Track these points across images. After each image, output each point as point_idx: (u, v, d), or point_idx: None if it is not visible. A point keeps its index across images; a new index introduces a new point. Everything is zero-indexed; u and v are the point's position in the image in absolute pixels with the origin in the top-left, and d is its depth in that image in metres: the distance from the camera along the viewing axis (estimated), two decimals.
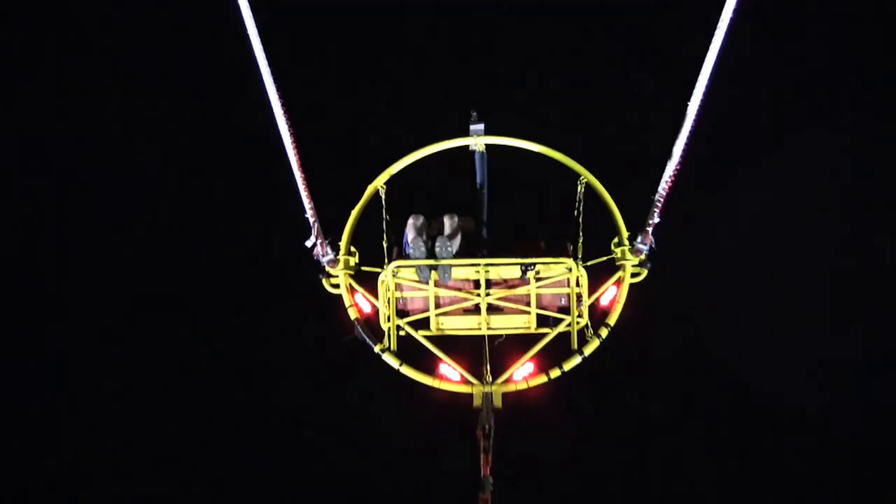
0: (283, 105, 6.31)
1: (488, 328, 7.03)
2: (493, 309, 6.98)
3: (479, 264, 6.78)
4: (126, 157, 10.45)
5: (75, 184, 10.46)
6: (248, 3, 5.92)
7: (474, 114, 7.46)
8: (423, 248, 6.69)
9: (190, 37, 9.99)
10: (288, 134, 6.46)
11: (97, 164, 10.40)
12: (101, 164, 10.41)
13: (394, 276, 6.82)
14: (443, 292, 6.93)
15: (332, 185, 7.30)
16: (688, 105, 6.32)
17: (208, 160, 10.50)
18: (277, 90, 6.24)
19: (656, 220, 7.01)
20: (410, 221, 6.91)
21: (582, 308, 6.96)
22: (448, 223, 6.85)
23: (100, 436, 10.76)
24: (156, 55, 10.19)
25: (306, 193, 6.82)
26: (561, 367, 6.87)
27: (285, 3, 9.30)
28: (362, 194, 7.25)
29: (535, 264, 6.77)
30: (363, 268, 7.17)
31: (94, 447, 10.77)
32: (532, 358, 6.91)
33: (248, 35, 6.05)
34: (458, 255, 6.81)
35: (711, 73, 6.14)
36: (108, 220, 10.54)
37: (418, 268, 6.77)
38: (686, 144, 6.60)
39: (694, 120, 6.40)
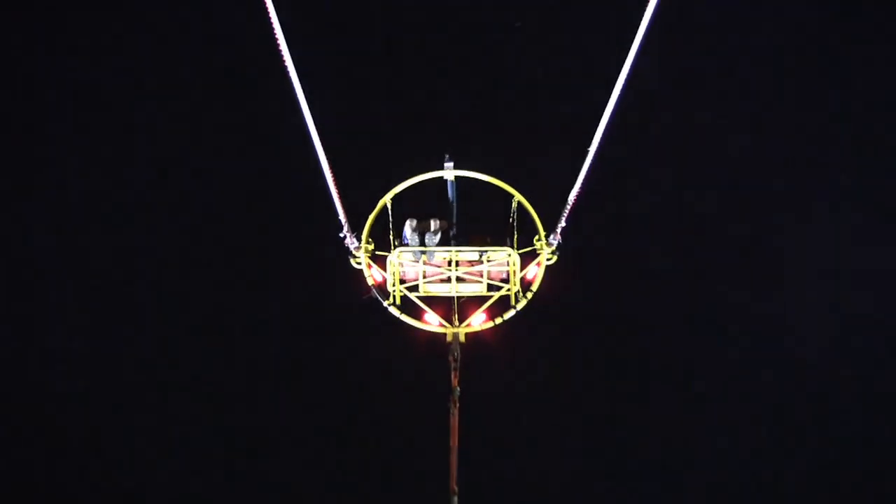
0: (320, 135, 9.78)
1: (456, 292, 11.01)
2: (459, 279, 10.95)
3: (451, 250, 10.74)
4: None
5: None
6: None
7: (447, 155, 11.27)
8: (417, 240, 10.70)
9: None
10: (325, 159, 10.03)
11: None
12: None
13: (398, 257, 10.75)
14: (428, 268, 10.83)
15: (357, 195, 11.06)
16: (588, 149, 10.15)
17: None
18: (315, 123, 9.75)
19: (563, 223, 11.03)
20: (407, 224, 10.81)
21: (515, 280, 10.96)
22: (433, 224, 10.75)
23: None
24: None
25: (339, 202, 10.52)
26: (502, 317, 10.90)
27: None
28: (375, 205, 11.08)
29: (486, 251, 10.76)
30: (377, 252, 11.00)
31: None
32: (485, 311, 10.93)
33: (293, 86, 9.44)
34: (438, 244, 10.78)
35: (612, 111, 9.21)
36: None
37: (415, 252, 10.67)
38: (585, 177, 10.50)
39: (591, 161, 10.24)
